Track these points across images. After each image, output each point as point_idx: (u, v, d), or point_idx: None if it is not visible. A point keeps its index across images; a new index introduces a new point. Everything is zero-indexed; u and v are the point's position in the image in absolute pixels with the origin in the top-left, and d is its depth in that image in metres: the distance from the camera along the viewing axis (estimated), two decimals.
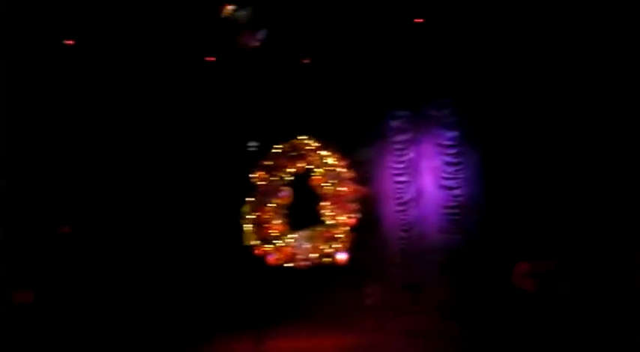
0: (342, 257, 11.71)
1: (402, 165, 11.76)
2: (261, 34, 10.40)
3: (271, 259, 11.86)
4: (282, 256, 11.89)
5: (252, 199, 12.07)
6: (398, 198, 11.80)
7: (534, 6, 10.23)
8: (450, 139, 11.33)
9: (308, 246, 11.86)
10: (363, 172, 11.88)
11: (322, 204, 11.89)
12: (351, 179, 11.79)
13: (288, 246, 11.90)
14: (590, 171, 10.17)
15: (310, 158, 12.01)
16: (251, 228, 12.00)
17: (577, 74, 10.10)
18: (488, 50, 10.80)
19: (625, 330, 9.38)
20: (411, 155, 11.72)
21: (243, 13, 10.33)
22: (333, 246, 11.74)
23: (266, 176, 12.09)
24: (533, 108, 10.57)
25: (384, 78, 11.47)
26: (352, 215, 11.74)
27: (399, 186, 11.79)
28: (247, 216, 12.03)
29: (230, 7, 10.43)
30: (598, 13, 9.79)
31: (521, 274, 10.57)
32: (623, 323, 9.49)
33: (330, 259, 11.76)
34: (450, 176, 11.35)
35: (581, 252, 10.23)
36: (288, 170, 12.10)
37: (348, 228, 11.75)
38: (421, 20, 10.81)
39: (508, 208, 10.69)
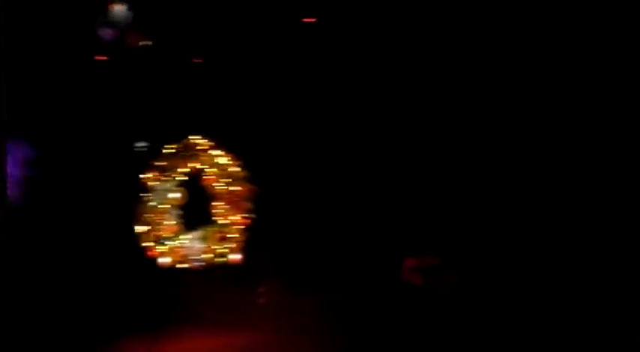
0: (235, 257, 11.72)
1: None
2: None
3: (164, 261, 11.75)
4: (175, 257, 11.81)
5: (144, 200, 11.92)
6: None
7: None
8: None
9: (201, 246, 11.81)
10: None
11: (215, 204, 11.84)
12: (244, 178, 11.81)
13: (181, 247, 11.77)
14: (474, 168, 10.61)
15: (203, 158, 11.91)
16: (143, 230, 11.85)
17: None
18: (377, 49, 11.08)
19: (516, 319, 9.87)
20: None
21: (128, 13, 10.23)
22: (226, 246, 11.75)
23: (158, 176, 11.96)
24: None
25: (274, 77, 11.56)
26: (246, 214, 11.77)
27: None
28: (139, 218, 11.89)
29: (117, 6, 10.31)
30: None
31: (409, 269, 10.86)
32: (511, 314, 9.99)
33: (223, 259, 11.77)
34: None
35: (467, 246, 10.69)
36: (180, 170, 11.93)
37: (241, 228, 11.77)
38: (312, 20, 10.99)
39: (397, 204, 11.02)
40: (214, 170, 11.84)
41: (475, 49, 10.67)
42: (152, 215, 11.86)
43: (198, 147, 11.91)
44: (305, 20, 10.96)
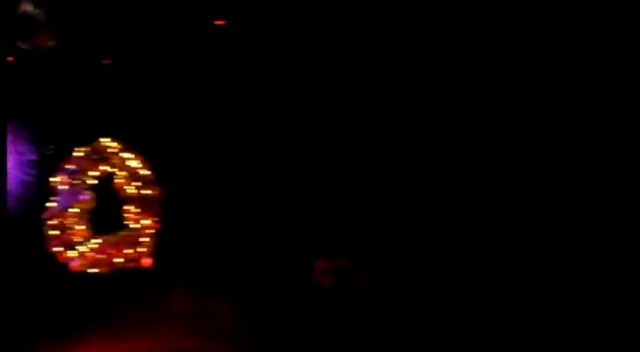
0: (147, 261, 11.60)
1: None
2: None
3: (75, 265, 11.56)
4: (85, 262, 11.61)
5: (54, 204, 11.69)
6: None
7: None
8: None
9: (112, 251, 11.63)
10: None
11: (126, 207, 11.68)
12: (154, 181, 11.71)
13: (92, 252, 11.57)
14: (385, 171, 10.76)
15: (113, 161, 11.72)
16: (53, 234, 11.62)
17: None
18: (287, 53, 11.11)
19: (428, 320, 10.04)
20: None
21: (39, 12, 10.04)
22: (138, 250, 11.60)
23: (68, 180, 11.74)
24: (333, 109, 11.05)
25: (185, 79, 11.45)
26: (157, 218, 11.66)
27: None
28: (49, 222, 11.65)
29: (25, 5, 10.11)
30: None
31: (320, 271, 10.95)
32: (423, 314, 10.15)
33: (135, 264, 11.63)
34: None
35: (378, 247, 10.84)
36: (90, 173, 11.72)
37: (152, 232, 11.63)
38: (221, 22, 10.97)
39: (308, 207, 11.09)
40: (125, 173, 11.70)
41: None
42: (62, 219, 11.68)
43: (109, 150, 11.73)
44: (215, 23, 10.92)
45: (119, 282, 11.53)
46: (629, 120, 9.65)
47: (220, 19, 10.92)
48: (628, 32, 9.81)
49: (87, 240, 11.64)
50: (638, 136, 9.58)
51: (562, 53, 10.08)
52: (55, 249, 11.56)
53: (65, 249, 11.56)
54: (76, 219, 11.66)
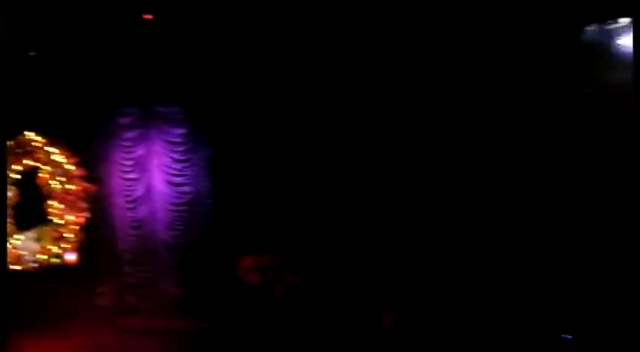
0: (71, 257, 11.45)
1: (130, 162, 11.57)
2: None
3: None
4: (8, 259, 11.38)
5: None
6: (127, 196, 11.61)
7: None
8: (178, 136, 11.38)
9: (36, 247, 11.48)
10: (91, 169, 11.65)
11: (50, 202, 11.52)
12: (79, 176, 11.53)
13: (15, 248, 11.40)
14: (309, 170, 10.80)
15: (37, 155, 11.53)
16: None
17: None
18: (215, 48, 11.02)
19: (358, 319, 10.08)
20: (140, 152, 11.54)
21: None
22: (62, 246, 11.45)
23: None
24: (258, 107, 10.98)
25: (112, 73, 11.20)
26: (81, 213, 11.50)
27: (128, 183, 11.59)
28: None
29: None
30: None
31: (245, 268, 10.93)
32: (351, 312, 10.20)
33: (59, 260, 11.47)
34: (179, 173, 11.43)
35: (306, 244, 10.86)
36: (14, 168, 11.49)
37: (77, 227, 11.48)
38: (150, 16, 10.85)
39: (234, 204, 11.06)
40: (49, 168, 11.51)
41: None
42: None
43: (33, 144, 11.53)
44: (145, 17, 10.81)
45: (42, 279, 11.39)
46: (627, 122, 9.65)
47: (148, 14, 10.81)
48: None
49: (9, 235, 11.34)
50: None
51: (561, 58, 10.12)
52: None
53: None
54: None
